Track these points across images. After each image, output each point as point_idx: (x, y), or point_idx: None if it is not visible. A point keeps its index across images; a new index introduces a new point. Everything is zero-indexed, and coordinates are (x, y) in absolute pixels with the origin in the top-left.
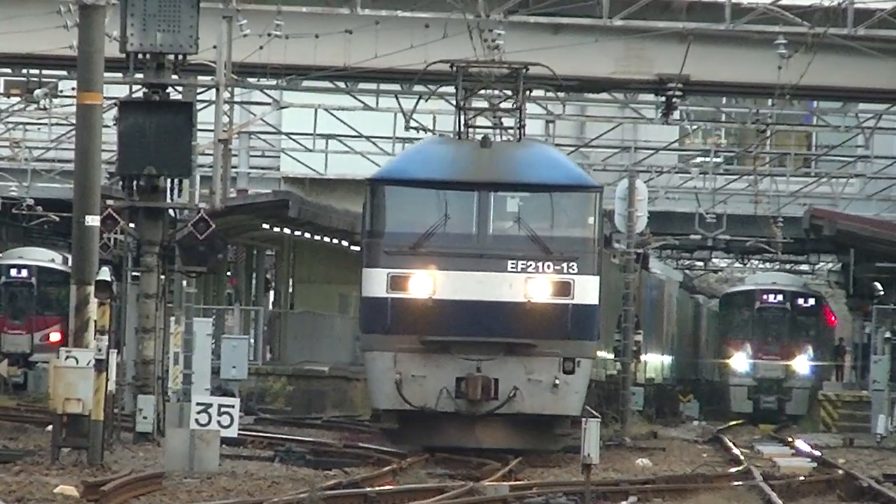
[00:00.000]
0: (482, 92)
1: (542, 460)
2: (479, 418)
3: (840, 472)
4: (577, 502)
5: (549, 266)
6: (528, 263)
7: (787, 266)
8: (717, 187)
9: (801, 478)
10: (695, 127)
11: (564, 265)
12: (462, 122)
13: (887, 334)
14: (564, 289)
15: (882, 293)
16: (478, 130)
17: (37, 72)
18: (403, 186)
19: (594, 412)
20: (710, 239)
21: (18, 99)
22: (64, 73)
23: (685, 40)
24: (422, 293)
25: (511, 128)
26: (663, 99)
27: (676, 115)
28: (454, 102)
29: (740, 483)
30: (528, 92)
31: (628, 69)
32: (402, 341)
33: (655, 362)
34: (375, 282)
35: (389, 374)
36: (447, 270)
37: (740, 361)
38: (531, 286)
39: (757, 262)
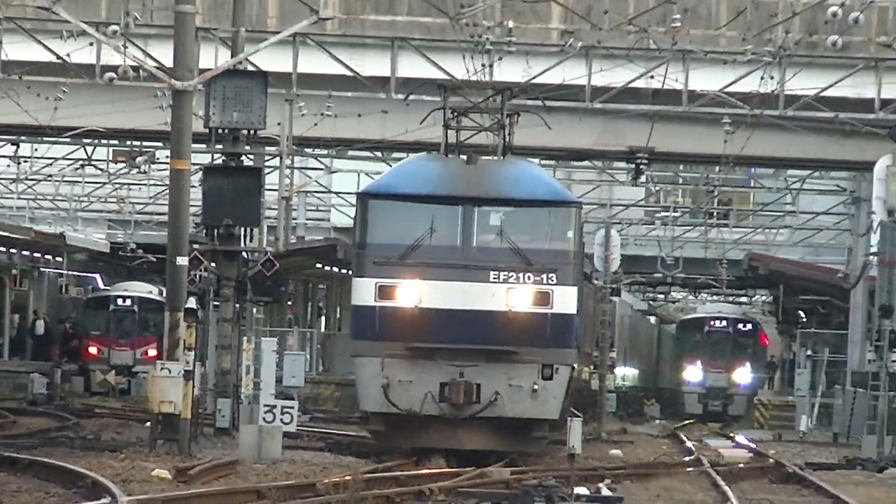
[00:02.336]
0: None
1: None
2: (461, 421)
3: (771, 460)
4: (563, 484)
5: (529, 277)
6: (510, 274)
7: (730, 298)
8: (675, 236)
9: (741, 465)
10: (658, 188)
11: (544, 276)
12: (449, 140)
13: (808, 352)
14: (544, 299)
15: (804, 320)
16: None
17: (138, 143)
18: (391, 200)
19: (577, 413)
20: (669, 277)
21: (123, 164)
22: (160, 144)
23: (651, 119)
24: (408, 302)
25: (490, 149)
26: (633, 166)
27: (643, 178)
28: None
29: (692, 469)
30: (515, 116)
31: (606, 142)
32: (390, 347)
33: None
34: (364, 291)
35: (377, 378)
36: (432, 280)
37: (693, 373)
38: (512, 296)
39: (706, 295)
